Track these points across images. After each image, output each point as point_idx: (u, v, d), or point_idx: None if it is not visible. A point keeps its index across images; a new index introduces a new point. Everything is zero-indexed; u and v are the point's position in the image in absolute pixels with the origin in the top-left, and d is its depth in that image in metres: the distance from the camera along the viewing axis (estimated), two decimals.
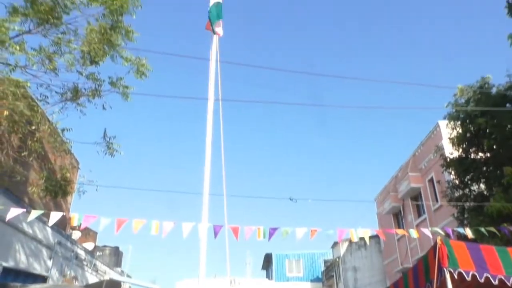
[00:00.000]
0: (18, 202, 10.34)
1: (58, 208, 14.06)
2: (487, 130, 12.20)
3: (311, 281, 36.28)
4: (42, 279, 11.85)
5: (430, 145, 19.15)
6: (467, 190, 13.20)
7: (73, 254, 14.24)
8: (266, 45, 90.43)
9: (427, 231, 8.78)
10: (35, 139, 9.01)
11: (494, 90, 12.43)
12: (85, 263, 15.62)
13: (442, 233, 8.65)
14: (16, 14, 7.41)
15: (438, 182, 18.06)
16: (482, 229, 8.50)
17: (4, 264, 9.78)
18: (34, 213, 7.04)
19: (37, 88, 8.78)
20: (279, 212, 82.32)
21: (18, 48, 7.33)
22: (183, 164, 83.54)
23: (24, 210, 7.30)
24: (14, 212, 6.83)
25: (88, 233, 20.72)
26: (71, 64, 8.43)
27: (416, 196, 21.43)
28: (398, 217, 24.33)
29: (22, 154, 9.17)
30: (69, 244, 14.07)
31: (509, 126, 11.67)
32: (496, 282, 5.24)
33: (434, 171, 18.85)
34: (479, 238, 9.18)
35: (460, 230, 9.04)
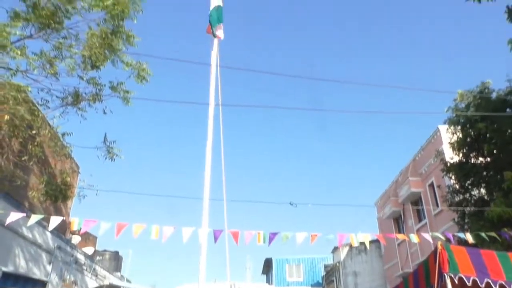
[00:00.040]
0: (18, 207, 10.33)
1: (58, 212, 14.05)
2: (487, 135, 12.20)
3: (312, 285, 36.14)
4: (42, 284, 11.81)
5: (430, 150, 19.15)
6: (467, 195, 13.17)
7: (72, 258, 14.20)
8: (266, 49, 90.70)
9: (427, 236, 8.76)
10: (35, 143, 9.02)
11: (494, 95, 12.45)
12: (84, 267, 15.58)
13: (443, 238, 8.64)
14: (18, 19, 7.44)
15: (439, 186, 18.03)
16: (483, 234, 8.49)
17: (4, 269, 9.76)
18: (34, 218, 7.04)
19: (38, 92, 8.82)
20: (279, 216, 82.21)
21: (19, 52, 7.36)
22: (183, 168, 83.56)
23: (24, 214, 7.29)
24: (14, 216, 6.83)
25: (88, 238, 20.68)
26: (72, 69, 8.45)
27: (416, 200, 21.40)
28: (398, 222, 24.28)
29: (23, 159, 9.17)
30: (68, 249, 14.03)
31: (509, 131, 11.67)
32: (496, 287, 5.23)
33: (434, 175, 18.84)
34: (480, 243, 9.16)
35: (461, 235, 9.04)
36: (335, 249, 29.71)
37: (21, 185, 10.05)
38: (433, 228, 18.34)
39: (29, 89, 8.05)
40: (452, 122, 13.54)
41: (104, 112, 9.40)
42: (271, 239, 7.29)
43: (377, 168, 77.83)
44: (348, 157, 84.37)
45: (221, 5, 7.69)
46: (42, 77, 8.39)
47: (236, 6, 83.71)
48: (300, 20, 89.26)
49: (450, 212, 14.58)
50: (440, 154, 16.01)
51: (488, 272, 5.38)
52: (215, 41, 7.51)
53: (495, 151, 12.09)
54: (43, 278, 11.90)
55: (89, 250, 18.55)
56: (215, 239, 6.69)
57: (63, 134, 9.62)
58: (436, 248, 5.51)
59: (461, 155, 13.29)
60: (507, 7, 7.65)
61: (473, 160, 13.04)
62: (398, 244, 23.45)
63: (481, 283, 5.21)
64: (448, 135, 14.15)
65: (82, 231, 7.44)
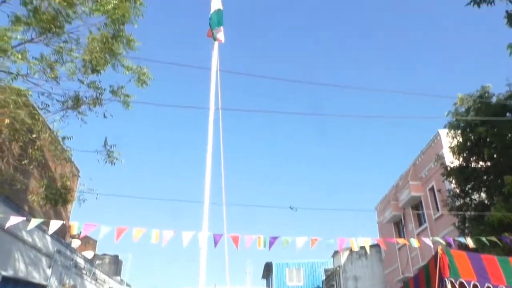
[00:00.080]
0: (18, 210, 10.32)
1: (58, 216, 14.03)
2: (488, 139, 12.20)
3: None
4: None
5: (430, 154, 19.14)
6: (467, 199, 13.16)
7: (72, 262, 14.17)
8: (266, 53, 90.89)
9: (428, 241, 8.74)
10: (35, 147, 9.03)
11: (494, 99, 12.47)
12: (84, 271, 15.54)
13: (443, 242, 8.62)
14: (19, 23, 7.46)
15: (439, 191, 18.01)
16: (483, 239, 8.47)
17: (3, 273, 9.73)
18: (34, 222, 7.02)
19: (39, 96, 8.83)
20: (279, 221, 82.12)
21: (20, 56, 7.37)
22: (184, 173, 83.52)
23: (24, 218, 7.29)
24: (13, 220, 6.82)
25: (88, 242, 20.64)
26: (73, 73, 8.47)
27: (416, 205, 21.37)
28: (399, 226, 24.23)
29: (23, 162, 9.17)
30: (68, 253, 14.01)
31: (509, 135, 11.67)
32: None
33: (434, 180, 18.82)
34: (480, 247, 9.14)
35: (461, 239, 9.01)
36: (335, 253, 29.64)
37: (21, 189, 10.04)
38: (433, 232, 18.31)
39: (30, 93, 8.06)
40: (452, 126, 13.55)
41: (105, 116, 9.40)
42: (271, 244, 7.27)
43: (377, 173, 77.82)
44: (348, 162, 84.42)
45: (221, 8, 7.72)
46: (42, 81, 8.42)
47: (236, 11, 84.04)
48: (300, 25, 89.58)
49: (450, 216, 14.56)
50: (440, 158, 16.00)
51: (489, 277, 5.37)
52: (215, 44, 7.54)
53: (495, 156, 12.09)
54: (43, 282, 11.87)
55: (89, 254, 18.52)
56: (215, 243, 6.67)
57: (63, 138, 9.61)
58: (436, 253, 5.50)
59: (461, 159, 13.29)
60: (507, 12, 7.68)
61: (473, 164, 13.04)
62: (399, 249, 23.40)
63: None
64: (448, 139, 14.15)
65: (82, 235, 7.45)
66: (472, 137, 12.72)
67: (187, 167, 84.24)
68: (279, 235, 7.39)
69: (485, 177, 12.65)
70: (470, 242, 8.52)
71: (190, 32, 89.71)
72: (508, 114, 12.06)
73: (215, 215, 6.44)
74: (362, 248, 8.17)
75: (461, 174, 13.12)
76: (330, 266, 33.38)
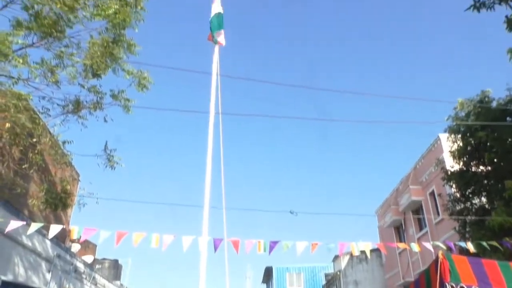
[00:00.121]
0: (18, 215, 10.31)
1: (58, 220, 14.00)
2: (488, 144, 12.20)
3: None
4: None
5: (431, 158, 19.12)
6: (468, 204, 13.15)
7: (72, 267, 14.13)
8: (266, 57, 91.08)
9: (428, 245, 8.72)
10: (36, 151, 9.02)
11: (494, 104, 12.47)
12: (84, 276, 15.49)
13: (444, 247, 8.59)
14: (20, 28, 7.48)
15: (439, 195, 17.99)
16: (484, 243, 8.45)
17: (3, 278, 9.70)
18: (34, 226, 7.02)
19: (39, 100, 8.82)
20: (279, 225, 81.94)
21: (21, 61, 7.39)
22: (184, 177, 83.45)
23: (24, 222, 7.27)
24: (13, 224, 6.81)
25: (88, 246, 20.59)
26: (73, 77, 8.48)
27: (417, 209, 21.33)
28: (399, 231, 24.18)
29: (23, 167, 9.17)
30: (68, 257, 13.97)
31: (509, 139, 11.68)
32: None
33: (435, 184, 18.80)
34: (481, 252, 9.11)
35: (462, 244, 8.99)
36: (336, 257, 29.57)
37: (21, 193, 10.03)
38: (434, 236, 18.26)
39: (30, 97, 8.07)
40: (452, 130, 13.56)
41: (105, 120, 9.40)
42: (271, 248, 7.26)
43: (378, 177, 77.79)
44: (349, 166, 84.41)
45: (222, 12, 7.76)
46: (43, 86, 8.42)
47: (236, 14, 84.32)
48: (301, 29, 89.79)
49: (451, 220, 14.55)
50: (440, 162, 15.99)
51: (490, 282, 5.36)
52: (216, 47, 7.57)
53: (495, 160, 12.09)
54: (43, 287, 11.83)
55: (89, 258, 18.46)
56: (215, 247, 6.66)
57: (64, 142, 9.61)
58: (437, 257, 5.50)
59: (461, 163, 13.29)
60: (506, 16, 7.70)
61: (473, 169, 13.03)
62: (399, 253, 23.33)
63: None
64: (448, 144, 14.15)
65: (82, 240, 7.42)
66: (473, 142, 12.72)
67: (187, 171, 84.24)
68: (280, 239, 7.39)
69: (485, 182, 12.65)
70: (470, 246, 8.50)
71: (190, 37, 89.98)
72: (508, 118, 12.07)
73: (215, 219, 6.44)
74: (363, 252, 8.16)
75: (462, 179, 13.11)
76: (330, 270, 33.28)
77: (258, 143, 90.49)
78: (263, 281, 44.03)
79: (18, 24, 7.51)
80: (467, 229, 12.60)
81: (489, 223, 10.65)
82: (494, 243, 8.45)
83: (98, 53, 8.12)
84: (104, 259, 22.90)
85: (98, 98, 9.18)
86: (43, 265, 12.02)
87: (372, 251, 22.81)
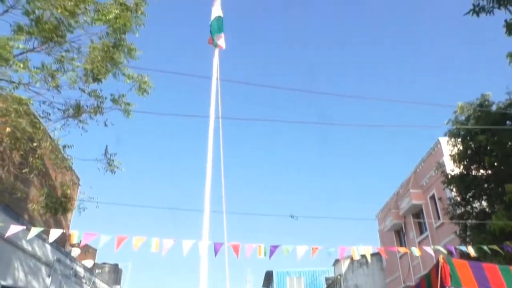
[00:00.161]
0: (18, 219, 10.30)
1: (58, 224, 13.99)
2: (488, 147, 12.20)
3: None
4: None
5: (431, 162, 19.12)
6: (468, 207, 13.12)
7: (72, 271, 14.10)
8: (267, 61, 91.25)
9: (429, 249, 8.71)
10: (36, 156, 9.03)
11: (494, 108, 12.48)
12: (84, 280, 15.46)
13: (445, 251, 8.58)
14: (21, 33, 7.52)
15: (440, 199, 17.96)
16: (485, 247, 8.44)
17: (3, 282, 9.68)
18: (34, 231, 7.01)
19: (40, 105, 8.85)
20: (280, 229, 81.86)
21: (22, 65, 7.42)
22: (184, 181, 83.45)
23: (24, 227, 7.27)
24: (13, 229, 6.80)
25: (88, 250, 20.55)
26: (74, 82, 8.51)
27: (417, 213, 21.29)
28: (400, 234, 24.12)
29: (23, 171, 9.17)
30: (68, 262, 13.94)
31: (509, 143, 11.68)
32: None
33: (435, 188, 18.78)
34: (482, 256, 9.09)
35: (463, 248, 8.97)
36: (336, 262, 29.49)
37: (21, 198, 10.02)
38: (435, 240, 18.22)
39: (31, 101, 8.09)
40: (452, 134, 13.56)
41: (105, 125, 9.43)
42: (272, 252, 7.25)
43: (378, 181, 77.77)
44: (349, 170, 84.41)
45: (222, 15, 7.79)
46: (44, 90, 8.45)
47: (236, 18, 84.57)
48: (301, 33, 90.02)
49: (451, 224, 14.52)
50: (441, 166, 15.98)
51: (491, 286, 5.35)
52: (216, 51, 7.60)
53: (496, 164, 12.08)
54: None
55: (89, 263, 18.42)
56: (216, 252, 6.65)
57: (64, 147, 9.62)
58: (438, 262, 5.49)
59: (462, 167, 13.28)
60: (505, 21, 7.72)
61: (474, 173, 13.02)
62: (400, 257, 23.27)
63: None
64: (448, 147, 14.14)
65: (82, 244, 7.40)
66: (473, 145, 12.72)
67: (187, 176, 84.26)
68: (280, 243, 7.38)
69: (486, 185, 12.63)
70: (471, 250, 8.49)
71: (190, 42, 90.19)
72: (508, 122, 12.07)
73: (215, 224, 6.43)
74: (363, 256, 8.15)
75: (462, 182, 13.10)
76: (331, 274, 33.19)
77: (258, 147, 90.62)
78: (264, 285, 43.90)
79: (19, 29, 7.55)
80: (468, 233, 12.57)
81: (490, 227, 10.63)
82: (495, 247, 8.43)
83: (99, 58, 8.15)
84: (104, 263, 22.85)
85: (99, 103, 9.20)
86: (43, 269, 11.99)
87: (372, 255, 22.81)
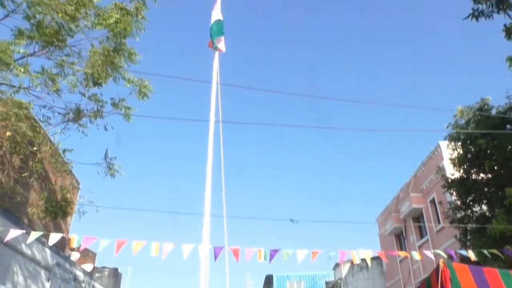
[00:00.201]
0: (18, 223, 10.29)
1: (58, 228, 13.97)
2: (488, 151, 12.21)
3: None
4: None
5: (431, 166, 19.11)
6: (469, 211, 13.11)
7: (71, 275, 14.07)
8: (267, 64, 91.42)
9: (429, 253, 8.69)
10: (36, 159, 9.03)
11: (493, 111, 12.51)
12: (83, 284, 15.41)
13: (445, 255, 8.57)
14: (22, 37, 7.55)
15: (440, 203, 17.94)
16: (485, 251, 8.43)
17: (2, 287, 9.66)
18: (34, 235, 7.00)
19: (40, 109, 8.88)
20: (280, 233, 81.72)
21: (22, 70, 7.44)
22: (184, 185, 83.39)
23: (24, 231, 7.26)
24: (13, 233, 6.80)
25: (87, 254, 20.47)
26: (74, 86, 8.53)
27: (418, 217, 21.27)
28: (400, 238, 24.08)
29: (23, 175, 9.17)
30: (67, 266, 13.91)
31: (509, 147, 11.69)
32: None
33: (435, 191, 18.76)
34: (482, 260, 9.08)
35: (463, 252, 8.96)
36: (337, 265, 29.42)
37: (21, 202, 10.01)
38: (435, 244, 18.19)
39: (31, 106, 8.12)
40: (452, 138, 13.57)
41: (105, 129, 9.43)
42: (272, 256, 7.23)
43: (378, 185, 77.70)
44: (349, 174, 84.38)
45: (221, 18, 7.83)
46: (44, 94, 8.47)
47: (236, 22, 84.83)
48: (302, 37, 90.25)
49: (452, 228, 14.51)
50: (441, 170, 15.98)
51: None
52: (216, 54, 7.63)
53: (496, 168, 12.08)
54: None
55: (88, 267, 18.35)
56: (215, 256, 6.64)
57: (64, 151, 9.62)
58: (438, 266, 5.48)
59: (462, 171, 13.28)
60: (505, 25, 7.76)
61: (474, 176, 13.02)
62: (400, 261, 23.23)
63: None
64: (448, 151, 14.15)
65: (81, 248, 7.40)
66: (473, 149, 12.73)
67: (187, 180, 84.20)
68: (280, 247, 7.37)
69: (486, 189, 12.62)
70: (471, 254, 8.48)
71: (191, 46, 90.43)
72: (508, 126, 12.09)
73: (214, 228, 6.43)
74: (363, 260, 8.13)
75: (462, 186, 13.09)
76: (331, 278, 33.10)
77: (258, 151, 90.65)
78: None
79: (20, 34, 7.58)
80: (468, 237, 12.56)
81: (490, 231, 10.62)
82: (495, 251, 8.42)
83: (99, 62, 8.17)
84: (103, 267, 22.76)
85: (99, 107, 9.22)
86: (43, 273, 11.97)
87: (372, 259, 22.63)
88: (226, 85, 8.28)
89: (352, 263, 27.11)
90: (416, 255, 8.57)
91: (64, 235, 7.49)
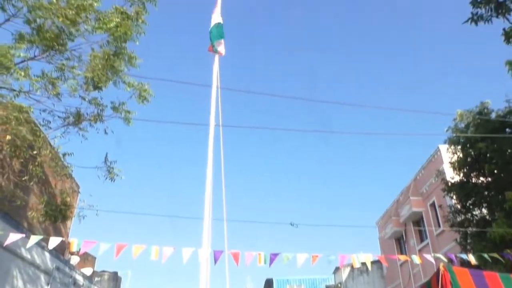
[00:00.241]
0: (17, 227, 10.27)
1: (57, 232, 13.95)
2: (488, 155, 12.22)
3: None
4: None
5: (431, 169, 19.12)
6: (469, 215, 13.10)
7: (71, 279, 14.04)
8: (267, 68, 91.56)
9: (429, 257, 8.68)
10: (36, 163, 9.02)
11: (493, 115, 12.53)
12: None
13: (445, 259, 8.56)
14: (22, 41, 7.56)
15: (440, 206, 17.94)
16: (485, 255, 8.42)
17: None
18: (34, 239, 6.99)
19: (40, 113, 8.86)
20: (280, 237, 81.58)
21: (22, 74, 7.45)
22: (184, 189, 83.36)
23: (23, 235, 7.25)
24: (13, 237, 6.79)
25: (87, 258, 20.44)
26: (74, 90, 8.54)
27: (418, 220, 21.25)
28: (400, 242, 24.04)
29: (23, 179, 9.16)
30: (67, 270, 13.88)
31: (509, 150, 11.70)
32: None
33: (435, 195, 18.76)
34: (483, 264, 9.06)
35: (463, 256, 8.95)
36: (337, 269, 29.36)
37: (21, 205, 10.01)
38: (435, 248, 18.16)
39: (31, 109, 8.11)
40: (452, 142, 13.59)
41: (105, 132, 9.43)
42: (272, 260, 7.23)
43: (378, 188, 77.67)
44: (349, 178, 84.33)
45: (221, 22, 7.85)
46: (44, 98, 8.47)
47: (236, 26, 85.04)
48: (302, 41, 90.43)
49: (452, 232, 14.49)
50: (441, 173, 15.98)
51: None
52: (216, 57, 7.65)
53: (496, 171, 12.09)
54: None
55: (88, 270, 18.32)
56: (215, 259, 6.63)
57: (64, 154, 9.61)
58: (438, 269, 5.48)
59: (462, 174, 13.28)
60: (504, 29, 7.79)
61: (474, 180, 13.02)
62: (400, 265, 23.18)
63: None
64: (448, 155, 14.16)
65: (81, 252, 7.39)
66: (472, 153, 12.74)
67: (187, 183, 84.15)
68: (280, 251, 7.37)
69: (486, 193, 12.62)
70: (472, 258, 8.47)
71: (191, 50, 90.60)
72: (507, 130, 12.11)
73: (214, 231, 6.43)
74: (364, 264, 8.11)
75: (462, 190, 13.09)
76: (331, 282, 32.99)
77: (258, 155, 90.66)
78: None
79: (20, 38, 7.60)
80: (468, 241, 12.54)
81: (490, 235, 10.61)
82: (495, 255, 8.42)
83: (99, 66, 8.18)
84: (103, 271, 22.73)
85: (99, 110, 9.22)
86: (42, 277, 11.94)
87: (373, 263, 22.70)
88: (226, 89, 8.30)
89: (352, 267, 27.05)
90: (416, 259, 8.57)
91: (64, 239, 7.49)
